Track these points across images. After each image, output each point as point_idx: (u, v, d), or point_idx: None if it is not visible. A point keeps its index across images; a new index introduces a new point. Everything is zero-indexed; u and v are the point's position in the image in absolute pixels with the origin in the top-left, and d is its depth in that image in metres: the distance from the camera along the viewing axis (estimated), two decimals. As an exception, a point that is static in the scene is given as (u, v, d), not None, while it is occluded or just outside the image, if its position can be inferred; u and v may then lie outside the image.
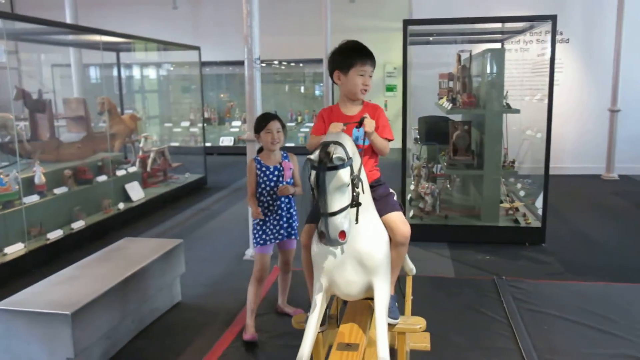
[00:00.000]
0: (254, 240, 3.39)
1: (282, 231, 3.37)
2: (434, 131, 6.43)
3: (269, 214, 3.34)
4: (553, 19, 4.85)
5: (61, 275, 3.33)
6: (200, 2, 12.58)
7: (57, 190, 5.47)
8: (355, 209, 2.01)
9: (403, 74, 5.21)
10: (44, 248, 4.89)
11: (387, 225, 2.23)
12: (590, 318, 3.57)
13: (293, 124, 12.15)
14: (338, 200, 1.91)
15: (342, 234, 1.90)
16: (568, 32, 8.57)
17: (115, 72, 8.82)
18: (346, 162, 1.91)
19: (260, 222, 3.35)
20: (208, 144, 10.48)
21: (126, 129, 7.40)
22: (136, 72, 10.53)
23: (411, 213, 5.62)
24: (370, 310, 2.35)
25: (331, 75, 2.46)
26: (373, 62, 2.41)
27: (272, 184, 3.31)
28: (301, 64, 12.53)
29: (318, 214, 1.96)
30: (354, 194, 1.98)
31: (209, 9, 12.42)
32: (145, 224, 6.17)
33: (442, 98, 6.56)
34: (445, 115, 6.19)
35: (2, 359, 2.86)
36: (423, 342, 2.82)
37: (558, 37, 8.24)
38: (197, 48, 8.52)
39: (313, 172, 1.92)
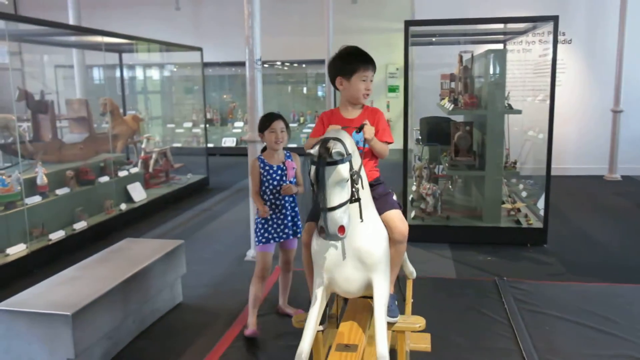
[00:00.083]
0: (256, 239, 3.40)
1: (286, 230, 3.40)
2: (436, 132, 6.42)
3: (271, 212, 3.36)
4: (555, 19, 4.85)
5: (62, 275, 3.34)
6: (203, 2, 12.61)
7: (59, 191, 5.48)
8: (358, 206, 2.04)
9: (404, 75, 5.21)
10: (46, 249, 4.90)
11: (385, 223, 2.25)
12: (591, 319, 3.57)
13: (295, 125, 12.14)
14: (337, 195, 1.93)
15: (342, 228, 1.93)
16: (570, 33, 8.56)
17: (117, 73, 8.83)
18: (345, 157, 1.94)
19: (263, 221, 3.37)
20: (210, 145, 10.47)
21: (128, 129, 7.41)
22: (138, 73, 10.56)
23: (413, 214, 5.62)
24: (370, 310, 2.35)
25: (332, 80, 2.47)
26: (374, 67, 2.45)
27: (276, 183, 3.34)
28: (303, 65, 12.53)
29: (318, 212, 1.98)
30: (353, 189, 2.00)
31: (211, 10, 12.44)
32: (147, 225, 6.19)
33: (444, 99, 6.55)
34: (447, 116, 6.18)
35: (3, 359, 2.87)
36: (423, 342, 2.82)
37: (560, 38, 8.24)
38: (200, 49, 8.52)
39: (313, 167, 1.95)
